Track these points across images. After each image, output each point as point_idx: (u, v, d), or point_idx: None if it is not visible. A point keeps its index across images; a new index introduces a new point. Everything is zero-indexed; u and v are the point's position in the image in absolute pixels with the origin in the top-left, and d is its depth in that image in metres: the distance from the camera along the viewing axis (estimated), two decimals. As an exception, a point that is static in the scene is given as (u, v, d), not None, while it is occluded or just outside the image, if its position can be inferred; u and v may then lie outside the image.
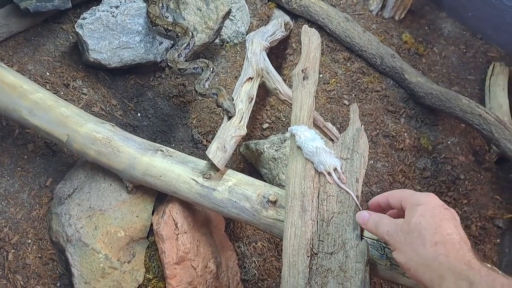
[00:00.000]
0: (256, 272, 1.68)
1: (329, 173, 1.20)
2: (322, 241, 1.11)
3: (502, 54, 2.80)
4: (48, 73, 1.79)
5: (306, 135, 1.25)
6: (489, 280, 0.75)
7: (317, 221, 1.14)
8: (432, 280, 0.82)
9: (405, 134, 2.27)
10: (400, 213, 0.99)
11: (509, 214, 2.16)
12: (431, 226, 0.87)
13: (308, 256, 1.09)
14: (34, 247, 1.50)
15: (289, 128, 1.33)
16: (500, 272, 0.78)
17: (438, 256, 0.82)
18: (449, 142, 2.32)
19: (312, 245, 1.11)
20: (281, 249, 1.15)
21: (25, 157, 1.64)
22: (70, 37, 1.95)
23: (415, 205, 0.92)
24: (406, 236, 0.89)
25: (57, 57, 1.86)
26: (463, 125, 2.34)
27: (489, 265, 0.80)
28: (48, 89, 1.68)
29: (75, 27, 1.78)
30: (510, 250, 2.06)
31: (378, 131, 2.23)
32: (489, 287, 0.74)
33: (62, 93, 1.77)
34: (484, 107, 2.25)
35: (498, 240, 2.10)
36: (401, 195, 0.99)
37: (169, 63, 1.69)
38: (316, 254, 1.10)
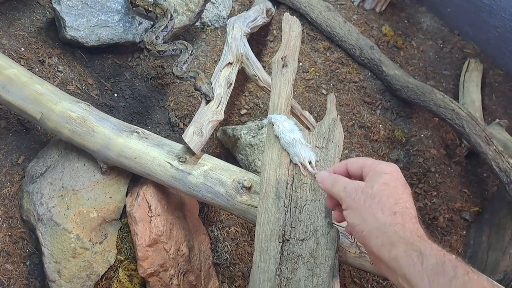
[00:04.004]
0: (228, 256, 1.69)
1: (303, 165, 1.21)
2: (294, 227, 1.13)
3: (477, 50, 2.86)
4: (23, 49, 1.75)
5: (284, 126, 1.26)
6: (439, 254, 0.77)
7: (290, 208, 1.16)
8: (382, 246, 0.83)
9: (380, 125, 2.30)
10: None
11: (475, 207, 2.23)
12: (393, 196, 0.88)
13: (279, 242, 1.10)
14: (4, 225, 1.48)
15: (268, 116, 1.33)
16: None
17: (394, 225, 0.84)
18: (422, 135, 2.37)
19: (284, 231, 1.12)
20: (254, 235, 1.16)
21: (-3, 133, 1.60)
22: (47, 12, 1.90)
23: (380, 173, 0.93)
24: (367, 199, 0.90)
25: (32, 33, 1.82)
26: (437, 119, 2.40)
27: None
28: (23, 65, 1.64)
29: (52, 2, 1.74)
30: (475, 242, 2.13)
31: (354, 121, 2.26)
32: (438, 260, 0.76)
33: (37, 69, 1.73)
34: (458, 102, 2.30)
35: (464, 232, 2.17)
36: (363, 162, 1.00)
37: (146, 46, 1.66)
38: (287, 240, 1.12)
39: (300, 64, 2.35)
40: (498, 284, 1.13)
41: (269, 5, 2.42)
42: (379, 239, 0.84)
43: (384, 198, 0.88)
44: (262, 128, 1.84)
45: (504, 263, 1.95)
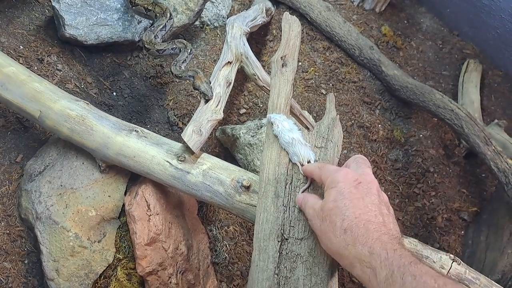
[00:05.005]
0: (227, 255, 1.69)
1: (302, 165, 1.21)
2: (293, 226, 1.13)
3: (476, 51, 2.86)
4: (21, 47, 1.75)
5: (284, 125, 1.26)
6: (388, 264, 0.79)
7: (289, 207, 1.15)
8: (345, 266, 0.89)
9: (379, 125, 2.31)
10: None
11: (474, 207, 2.23)
12: (340, 211, 0.89)
13: (278, 241, 1.10)
14: (2, 223, 1.47)
15: (267, 116, 1.33)
16: (403, 249, 0.81)
17: (346, 246, 0.86)
18: (421, 135, 2.37)
19: (283, 231, 1.12)
20: (253, 234, 1.16)
21: (-5, 131, 1.60)
22: (46, 11, 1.90)
23: (330, 187, 0.95)
24: (321, 223, 0.93)
25: (31, 31, 1.81)
26: (436, 119, 2.40)
27: (394, 243, 0.83)
28: (22, 63, 1.64)
29: (51, 0, 1.73)
30: (473, 242, 2.13)
31: (353, 121, 2.26)
32: (388, 271, 0.78)
33: (35, 68, 1.73)
34: (457, 102, 2.30)
35: (462, 232, 2.17)
36: (319, 173, 1.03)
37: (146, 45, 1.66)
38: (286, 239, 1.11)
39: (300, 63, 2.35)
40: (466, 270, 1.12)
41: (269, 4, 2.42)
42: (341, 261, 0.90)
43: (333, 217, 0.90)
44: (261, 127, 1.84)
45: (502, 263, 1.95)
